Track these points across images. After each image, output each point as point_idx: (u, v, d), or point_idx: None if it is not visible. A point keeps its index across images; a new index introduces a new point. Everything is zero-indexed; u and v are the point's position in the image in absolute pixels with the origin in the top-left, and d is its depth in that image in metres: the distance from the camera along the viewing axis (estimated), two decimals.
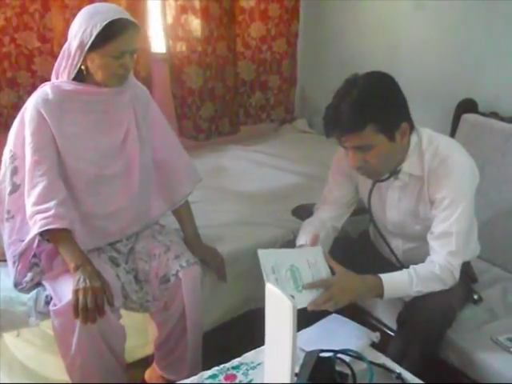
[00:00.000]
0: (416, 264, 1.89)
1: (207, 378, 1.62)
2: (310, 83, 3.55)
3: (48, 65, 2.69)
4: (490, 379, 1.82)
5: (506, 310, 2.08)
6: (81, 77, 1.96)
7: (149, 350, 2.23)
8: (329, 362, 1.53)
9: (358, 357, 1.61)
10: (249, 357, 1.71)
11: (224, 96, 3.20)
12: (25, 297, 1.96)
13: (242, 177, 3.02)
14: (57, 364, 1.99)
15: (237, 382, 1.60)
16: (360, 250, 2.23)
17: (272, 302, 1.32)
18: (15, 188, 1.99)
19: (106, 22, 1.85)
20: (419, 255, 1.95)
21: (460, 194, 1.86)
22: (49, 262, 2.02)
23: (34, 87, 2.63)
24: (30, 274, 2.00)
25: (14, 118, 2.62)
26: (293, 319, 1.24)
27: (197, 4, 3.00)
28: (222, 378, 1.62)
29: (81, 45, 1.88)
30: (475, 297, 2.10)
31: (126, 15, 1.93)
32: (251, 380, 1.61)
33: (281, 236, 2.46)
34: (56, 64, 2.00)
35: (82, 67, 1.93)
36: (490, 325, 1.99)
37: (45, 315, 1.93)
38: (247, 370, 1.65)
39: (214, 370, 1.66)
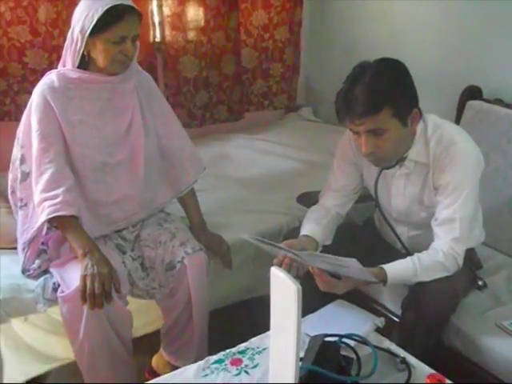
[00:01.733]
0: (421, 251, 1.89)
1: (213, 363, 1.64)
2: (314, 72, 3.55)
3: (39, 57, 2.73)
4: (495, 364, 1.83)
5: (511, 295, 2.09)
6: (85, 64, 1.98)
7: (151, 328, 2.24)
8: (334, 346, 1.55)
9: (363, 341, 1.62)
10: (255, 342, 1.72)
11: (221, 84, 3.22)
12: (32, 284, 1.99)
13: (247, 164, 3.02)
14: (63, 344, 2.01)
15: (243, 366, 1.62)
16: (365, 237, 2.23)
17: (277, 285, 1.33)
18: (24, 176, 2.02)
19: (106, 7, 1.86)
20: (424, 242, 1.95)
21: (464, 180, 1.86)
22: (56, 250, 2.05)
23: (24, 78, 2.73)
24: (37, 261, 2.02)
25: (4, 104, 2.72)
26: (298, 302, 1.25)
27: None
28: (228, 362, 1.64)
29: (82, 30, 1.89)
30: (480, 283, 2.10)
31: (128, 1, 1.94)
32: (257, 364, 1.62)
33: (286, 223, 2.47)
34: (63, 51, 2.01)
35: (85, 53, 1.94)
36: (494, 310, 2.00)
37: (52, 302, 1.96)
38: (253, 354, 1.67)
39: (220, 354, 1.67)
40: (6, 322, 1.92)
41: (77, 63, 1.96)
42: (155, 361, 2.27)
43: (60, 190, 1.91)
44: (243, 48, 3.24)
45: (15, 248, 2.10)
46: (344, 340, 1.61)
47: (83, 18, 1.89)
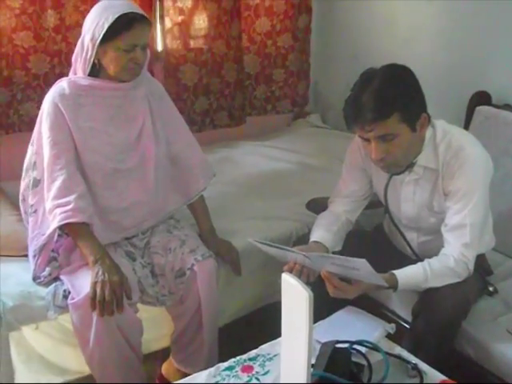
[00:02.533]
0: (431, 256, 1.89)
1: (224, 370, 1.64)
2: (322, 78, 3.56)
3: (42, 62, 2.75)
4: (507, 370, 1.82)
5: None
6: (96, 72, 1.99)
7: (165, 342, 2.25)
8: (345, 353, 1.54)
9: (374, 348, 1.62)
10: (265, 348, 1.72)
11: (222, 91, 3.24)
12: (43, 291, 1.99)
13: (255, 171, 3.02)
14: (75, 356, 2.02)
15: (254, 373, 1.62)
16: (374, 243, 2.23)
17: (288, 291, 1.34)
18: (36, 183, 2.04)
19: (117, 15, 1.88)
20: (434, 248, 1.95)
21: (474, 186, 1.86)
22: (67, 257, 2.05)
23: (27, 85, 2.74)
24: (48, 269, 2.03)
25: (8, 115, 2.73)
26: (309, 309, 1.25)
27: (195, 4, 3.05)
28: (238, 369, 1.64)
29: (93, 38, 1.91)
30: (490, 289, 2.09)
31: (139, 10, 1.96)
32: (268, 371, 1.62)
33: (295, 230, 2.47)
34: (73, 59, 2.04)
35: (96, 61, 1.96)
36: (505, 316, 1.99)
37: (63, 309, 1.96)
38: (264, 361, 1.67)
39: (231, 361, 1.67)
40: (16, 330, 1.93)
41: (88, 71, 1.98)
42: (165, 368, 2.26)
43: (72, 197, 1.92)
44: (246, 54, 3.27)
45: (26, 255, 2.12)
46: (355, 346, 1.61)
47: (94, 26, 1.90)
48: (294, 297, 1.30)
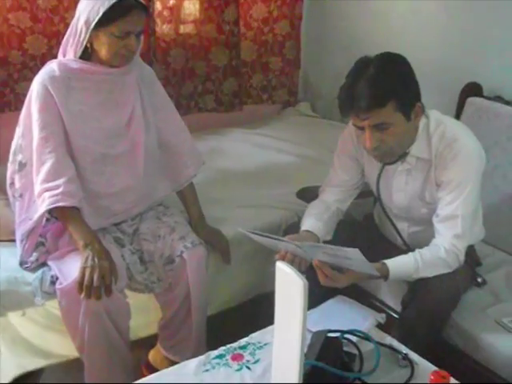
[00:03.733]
0: (421, 247, 1.89)
1: (214, 358, 1.63)
2: (313, 67, 3.54)
3: (39, 43, 2.71)
4: (495, 361, 1.83)
5: (510, 293, 2.09)
6: (87, 55, 1.96)
7: (152, 329, 2.23)
8: (336, 342, 1.54)
9: (365, 337, 1.62)
10: (256, 337, 1.71)
11: (208, 75, 3.21)
12: (30, 277, 1.96)
13: (245, 159, 3.00)
14: (61, 341, 2.00)
15: (244, 361, 1.61)
16: (365, 232, 2.23)
17: (282, 280, 1.32)
18: (21, 166, 2.00)
19: (114, 1, 1.84)
20: (425, 238, 1.95)
21: (466, 177, 1.86)
22: (54, 242, 2.03)
23: (24, 65, 2.70)
24: (35, 254, 2.00)
25: (3, 94, 2.68)
26: (304, 298, 1.24)
27: None
28: (228, 357, 1.62)
29: (87, 21, 1.87)
30: (479, 280, 2.10)
31: None
32: (258, 360, 1.61)
33: (285, 218, 2.46)
34: (64, 41, 2.00)
35: (88, 45, 1.92)
36: (494, 307, 2.00)
37: (50, 295, 1.94)
38: (254, 349, 1.66)
39: (221, 349, 1.66)
40: (3, 316, 1.90)
41: (79, 54, 1.94)
42: (152, 355, 2.25)
43: (61, 181, 1.89)
44: (242, 41, 3.23)
45: (13, 240, 2.08)
46: (346, 336, 1.61)
47: (89, 9, 1.86)
48: (289, 285, 1.28)
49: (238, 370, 1.58)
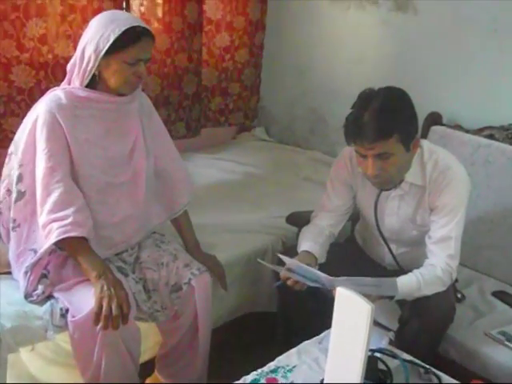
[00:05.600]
0: (408, 267, 2.04)
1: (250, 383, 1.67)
2: (268, 93, 3.64)
3: (26, 75, 2.59)
4: (491, 371, 1.99)
5: (488, 306, 2.28)
6: (92, 83, 1.95)
7: (147, 356, 2.22)
8: (373, 360, 1.63)
9: (392, 355, 1.72)
10: (282, 360, 1.77)
11: (181, 103, 3.24)
12: (38, 310, 1.91)
13: (212, 184, 3.05)
14: (65, 377, 1.98)
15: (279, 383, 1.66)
16: (349, 254, 2.34)
17: (343, 304, 1.40)
18: (20, 196, 1.95)
19: (124, 28, 1.86)
20: (411, 258, 2.12)
21: (459, 202, 2.03)
22: (58, 273, 1.98)
23: (9, 97, 2.59)
24: (40, 287, 1.94)
25: None
26: (370, 321, 1.32)
27: (160, 18, 3.04)
28: (264, 381, 1.67)
29: (96, 49, 1.87)
30: (459, 296, 2.27)
31: (143, 24, 1.94)
32: (292, 381, 1.67)
33: (271, 243, 2.54)
34: (68, 68, 1.97)
35: (96, 73, 1.92)
36: (479, 321, 2.17)
37: (61, 328, 1.89)
38: (285, 372, 1.71)
39: (254, 374, 1.70)
40: (15, 352, 1.84)
41: (86, 82, 1.93)
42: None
43: (70, 211, 1.86)
44: (205, 68, 3.30)
45: (7, 273, 2.02)
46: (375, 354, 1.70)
47: (98, 37, 1.86)
48: (351, 309, 1.36)
49: None
